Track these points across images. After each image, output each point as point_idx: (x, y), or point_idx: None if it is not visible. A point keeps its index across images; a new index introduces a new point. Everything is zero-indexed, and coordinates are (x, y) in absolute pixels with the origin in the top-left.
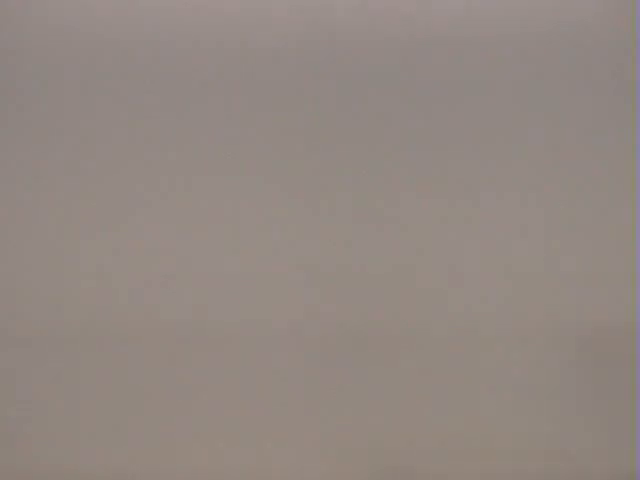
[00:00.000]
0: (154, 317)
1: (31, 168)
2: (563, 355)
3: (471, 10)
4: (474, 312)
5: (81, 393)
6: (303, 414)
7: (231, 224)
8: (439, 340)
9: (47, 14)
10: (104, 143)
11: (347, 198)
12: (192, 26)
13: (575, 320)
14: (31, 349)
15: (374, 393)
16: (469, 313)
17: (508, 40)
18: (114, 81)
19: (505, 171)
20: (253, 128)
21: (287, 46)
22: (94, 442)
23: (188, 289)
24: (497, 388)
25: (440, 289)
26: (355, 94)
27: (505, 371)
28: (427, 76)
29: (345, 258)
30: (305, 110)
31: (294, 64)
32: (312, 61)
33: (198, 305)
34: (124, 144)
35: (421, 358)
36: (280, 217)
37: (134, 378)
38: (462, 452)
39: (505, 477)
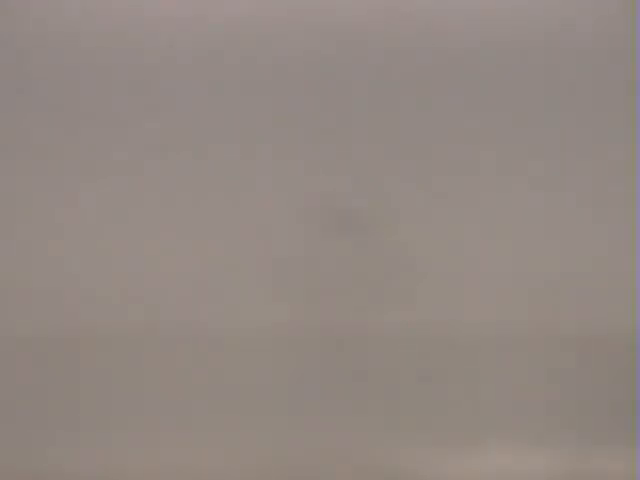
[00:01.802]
0: (152, 318)
1: (30, 167)
2: (564, 357)
3: (473, 11)
4: (472, 314)
5: (81, 393)
6: (295, 415)
7: (227, 227)
8: (437, 341)
9: (47, 14)
10: (105, 143)
11: (346, 198)
12: (192, 24)
13: (576, 321)
14: (31, 350)
15: (368, 393)
16: (468, 314)
17: (509, 41)
18: (117, 80)
19: (505, 171)
20: (253, 129)
21: (287, 46)
22: (93, 443)
23: (185, 291)
24: (496, 390)
25: (438, 290)
26: (357, 93)
27: (505, 373)
28: (427, 75)
29: (343, 260)
30: (305, 115)
31: (294, 66)
32: (313, 63)
33: (198, 307)
34: (125, 146)
35: (416, 360)
36: (278, 221)
37: (131, 379)
38: (460, 454)
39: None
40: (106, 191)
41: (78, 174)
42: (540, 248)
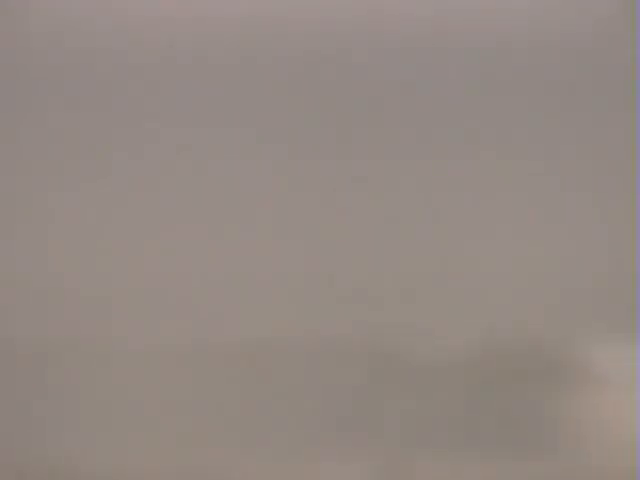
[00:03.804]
0: (151, 329)
1: (29, 168)
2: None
3: (478, 11)
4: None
5: (81, 396)
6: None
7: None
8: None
9: (47, 14)
10: (106, 146)
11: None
12: (192, 24)
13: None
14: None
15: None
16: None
17: (509, 41)
18: (118, 81)
19: (505, 173)
20: (253, 129)
21: (286, 46)
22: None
23: (185, 299)
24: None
25: (431, 294)
26: (358, 92)
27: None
28: (428, 75)
29: (339, 269)
30: (304, 115)
31: (294, 65)
32: (313, 64)
33: (197, 314)
34: (126, 152)
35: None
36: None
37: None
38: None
39: None
40: (104, 192)
41: (78, 175)
42: (541, 252)
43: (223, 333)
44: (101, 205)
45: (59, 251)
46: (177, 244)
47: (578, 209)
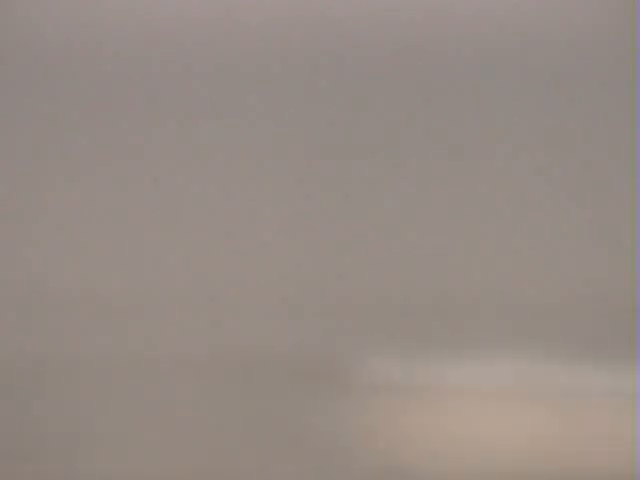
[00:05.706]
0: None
1: (32, 170)
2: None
3: (480, 11)
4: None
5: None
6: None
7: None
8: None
9: (47, 16)
10: (107, 153)
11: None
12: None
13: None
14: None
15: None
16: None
17: (511, 41)
18: (119, 83)
19: (506, 172)
20: (254, 131)
21: (286, 46)
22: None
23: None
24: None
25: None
26: (356, 95)
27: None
28: (428, 78)
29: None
30: (306, 117)
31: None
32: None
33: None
34: (127, 157)
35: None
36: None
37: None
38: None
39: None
40: (105, 196)
41: (78, 180)
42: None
43: (222, 341)
44: (102, 212)
45: (58, 259)
46: (175, 254)
47: (578, 220)
